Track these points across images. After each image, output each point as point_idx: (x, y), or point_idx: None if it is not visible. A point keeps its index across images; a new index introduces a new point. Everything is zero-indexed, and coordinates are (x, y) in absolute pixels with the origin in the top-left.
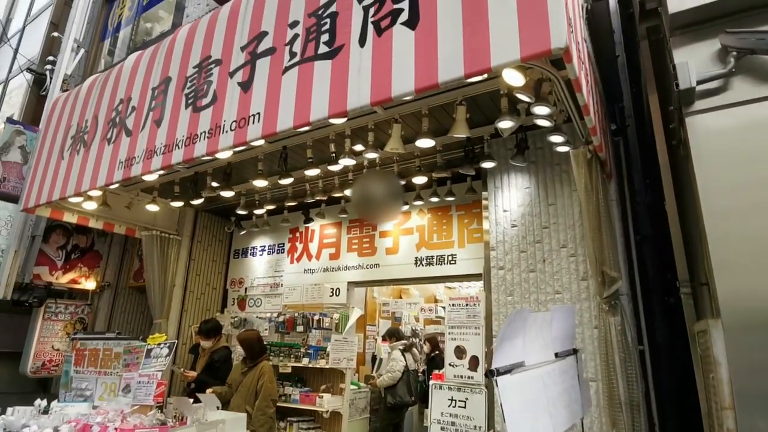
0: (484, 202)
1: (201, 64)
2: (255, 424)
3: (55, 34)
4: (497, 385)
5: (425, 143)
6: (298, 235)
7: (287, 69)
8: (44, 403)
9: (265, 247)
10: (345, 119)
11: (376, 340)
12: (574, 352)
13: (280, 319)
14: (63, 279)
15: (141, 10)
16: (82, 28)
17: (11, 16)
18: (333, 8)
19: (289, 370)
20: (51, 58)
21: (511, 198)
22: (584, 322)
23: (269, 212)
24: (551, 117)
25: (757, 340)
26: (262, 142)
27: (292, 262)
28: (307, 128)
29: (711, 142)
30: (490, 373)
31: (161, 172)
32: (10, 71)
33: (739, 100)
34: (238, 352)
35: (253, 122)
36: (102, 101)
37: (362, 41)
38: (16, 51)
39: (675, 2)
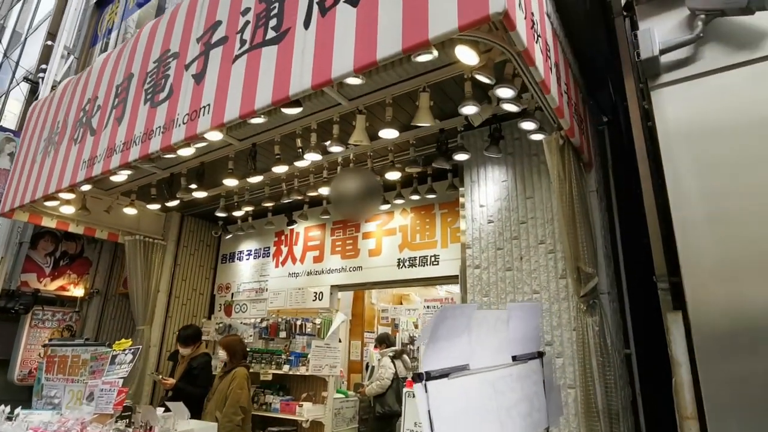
0: (461, 199)
1: (160, 58)
2: (221, 431)
3: (49, 42)
4: (426, 391)
5: (389, 134)
6: (283, 238)
7: (237, 57)
8: (8, 409)
9: (251, 251)
10: (300, 108)
11: None
12: (539, 355)
13: (264, 324)
14: (51, 286)
15: (128, 14)
16: (72, 35)
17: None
18: None
19: (270, 377)
20: (43, 66)
21: (488, 192)
22: (563, 324)
23: (254, 215)
24: (519, 101)
25: (729, 339)
26: (219, 135)
27: (277, 266)
28: (259, 120)
29: (678, 118)
30: (417, 377)
31: (128, 171)
32: (10, 83)
33: (708, 69)
34: (222, 358)
35: (203, 114)
36: (72, 103)
37: (307, 23)
38: (17, 64)
39: None
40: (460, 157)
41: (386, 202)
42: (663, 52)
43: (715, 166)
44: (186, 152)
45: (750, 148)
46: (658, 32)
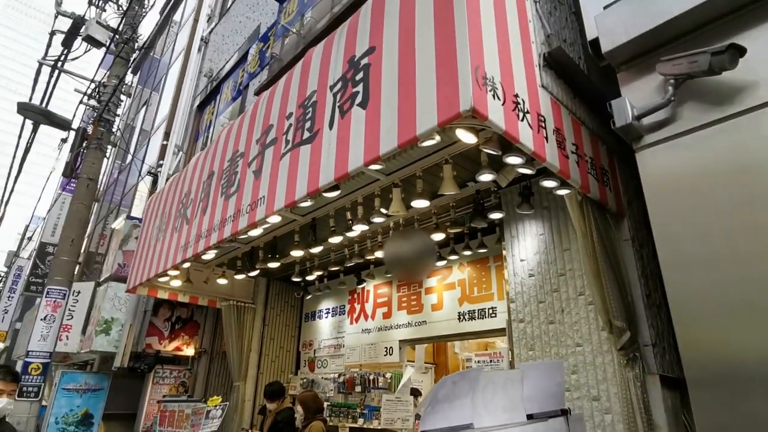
0: (504, 253)
1: (232, 157)
2: None
3: (164, 142)
4: None
5: (421, 204)
6: (355, 296)
7: (283, 155)
8: None
9: (329, 309)
10: (338, 191)
11: None
12: (563, 413)
13: (341, 379)
14: (169, 347)
15: (219, 113)
16: (180, 134)
17: (145, 127)
18: (314, 98)
19: (347, 431)
20: (161, 161)
21: (527, 246)
22: (608, 378)
23: (328, 276)
24: (532, 165)
25: (723, 397)
26: (278, 218)
27: (351, 323)
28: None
29: (661, 177)
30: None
31: (214, 251)
32: (138, 177)
33: (685, 128)
34: (300, 412)
35: (260, 204)
36: (174, 197)
37: (331, 124)
38: (142, 161)
39: (606, 41)
40: (495, 215)
41: (442, 258)
42: (639, 117)
43: (696, 214)
44: (255, 233)
45: (726, 197)
46: (640, 97)
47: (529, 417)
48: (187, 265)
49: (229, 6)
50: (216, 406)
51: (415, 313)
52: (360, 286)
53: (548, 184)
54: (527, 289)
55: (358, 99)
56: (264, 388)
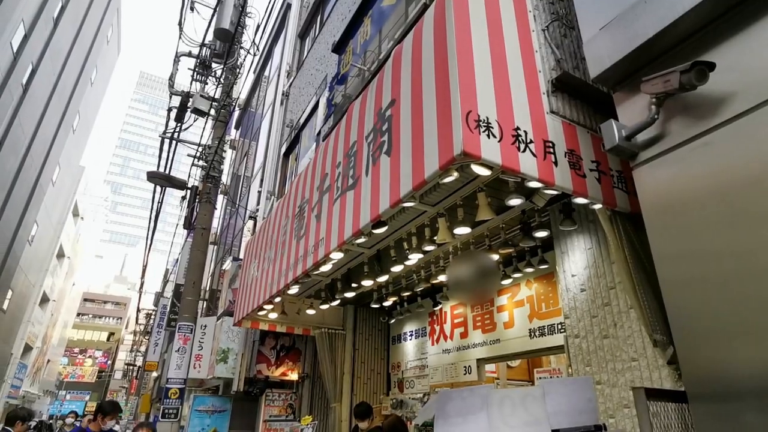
0: (556, 269)
1: (300, 204)
2: None
3: (258, 189)
4: None
5: (463, 231)
6: (434, 317)
7: (335, 201)
8: None
9: (412, 332)
10: (385, 227)
11: None
12: (597, 429)
13: (426, 399)
14: (276, 372)
15: (299, 159)
16: (271, 180)
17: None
18: (355, 148)
19: None
20: (258, 207)
21: (576, 261)
22: None
23: (409, 300)
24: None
25: (721, 411)
26: (341, 254)
27: (433, 344)
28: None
29: (656, 193)
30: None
31: (296, 286)
32: (243, 222)
33: (673, 143)
34: None
35: (321, 245)
36: (263, 240)
37: (367, 171)
38: (246, 208)
39: (593, 67)
40: (540, 234)
41: (507, 276)
42: (630, 137)
43: (692, 230)
44: (325, 268)
45: (719, 211)
46: (634, 116)
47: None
48: (278, 299)
49: (303, 61)
50: (308, 424)
51: (489, 332)
52: (437, 308)
53: (580, 201)
54: (580, 304)
55: (385, 147)
56: (353, 408)
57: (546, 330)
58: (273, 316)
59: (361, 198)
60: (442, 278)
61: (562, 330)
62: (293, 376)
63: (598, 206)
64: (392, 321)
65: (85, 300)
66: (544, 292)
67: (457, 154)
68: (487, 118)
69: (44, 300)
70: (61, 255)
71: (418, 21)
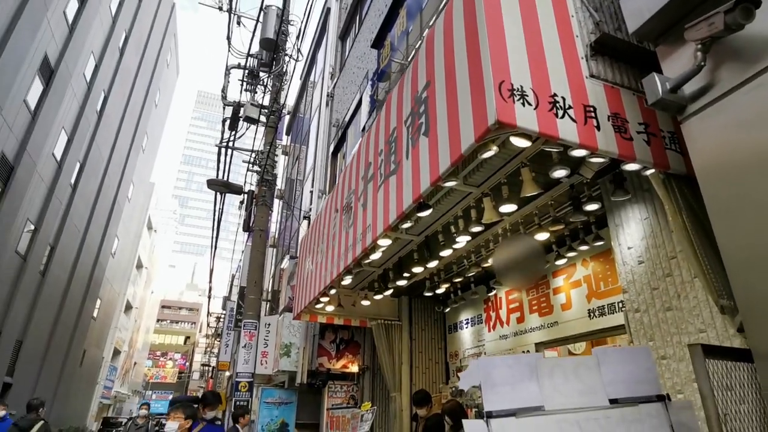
0: (612, 243)
1: (348, 195)
2: None
3: (310, 190)
4: (490, 427)
5: (509, 208)
6: (490, 304)
7: (379, 187)
8: None
9: (468, 320)
10: (429, 210)
11: None
12: (659, 399)
13: None
14: (337, 365)
15: (346, 157)
16: (321, 179)
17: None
18: (395, 134)
19: None
20: (310, 206)
21: (632, 233)
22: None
23: (462, 288)
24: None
25: None
26: (389, 241)
27: (489, 330)
28: (407, 225)
29: (707, 145)
30: (481, 416)
31: (349, 276)
32: (299, 223)
33: (723, 91)
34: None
35: (369, 231)
36: (314, 235)
37: (407, 154)
38: (300, 209)
39: (633, 21)
40: (591, 207)
41: (561, 256)
42: (675, 89)
43: (750, 183)
44: (375, 256)
45: None
46: (679, 68)
47: (613, 401)
48: (333, 291)
49: (345, 61)
50: (367, 410)
51: (546, 315)
52: (491, 294)
53: (631, 167)
54: (638, 277)
55: (423, 129)
56: (412, 396)
57: (606, 309)
58: (330, 308)
59: (403, 181)
60: (488, 262)
61: (623, 308)
62: (354, 369)
63: (650, 171)
64: (447, 310)
65: (163, 307)
66: (602, 270)
67: (491, 124)
68: (521, 87)
69: (128, 307)
70: (139, 266)
71: (449, 3)
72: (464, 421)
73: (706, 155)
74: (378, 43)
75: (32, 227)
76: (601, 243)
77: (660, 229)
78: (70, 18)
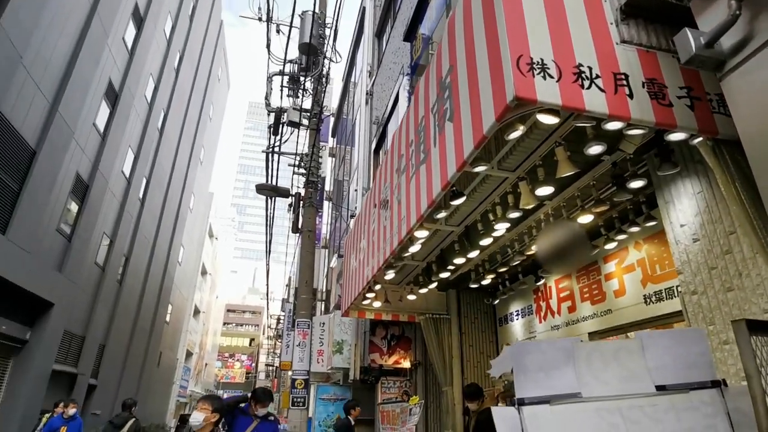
0: (664, 221)
1: (385, 191)
2: None
3: (355, 188)
4: (522, 415)
5: (545, 192)
6: (539, 294)
7: (411, 178)
8: None
9: (519, 311)
10: (463, 198)
11: None
12: (714, 384)
13: None
14: (389, 361)
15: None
16: (364, 177)
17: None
18: (423, 123)
19: None
20: (355, 205)
21: (684, 209)
22: None
23: (510, 279)
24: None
25: None
26: (426, 232)
27: (540, 321)
28: (442, 214)
29: (750, 100)
30: (513, 403)
31: (391, 271)
32: (348, 222)
33: (762, 42)
34: None
35: (404, 224)
36: (358, 231)
37: (435, 142)
38: (347, 208)
39: None
40: (636, 184)
41: (611, 240)
42: (710, 44)
43: None
44: (414, 249)
45: None
46: (715, 22)
47: (660, 388)
48: (378, 287)
49: (381, 58)
50: (415, 404)
51: (598, 303)
52: (540, 283)
53: (676, 137)
54: (693, 256)
55: (447, 114)
56: (463, 389)
57: (664, 294)
58: (376, 304)
59: (432, 169)
60: (537, 248)
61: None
62: (406, 364)
63: (698, 139)
64: (497, 302)
65: (228, 310)
66: (657, 252)
67: (510, 101)
68: (542, 60)
69: (196, 312)
70: (204, 272)
71: None
72: (493, 409)
73: (749, 114)
74: (410, 35)
75: (108, 240)
76: (654, 223)
77: (716, 203)
78: (129, 43)
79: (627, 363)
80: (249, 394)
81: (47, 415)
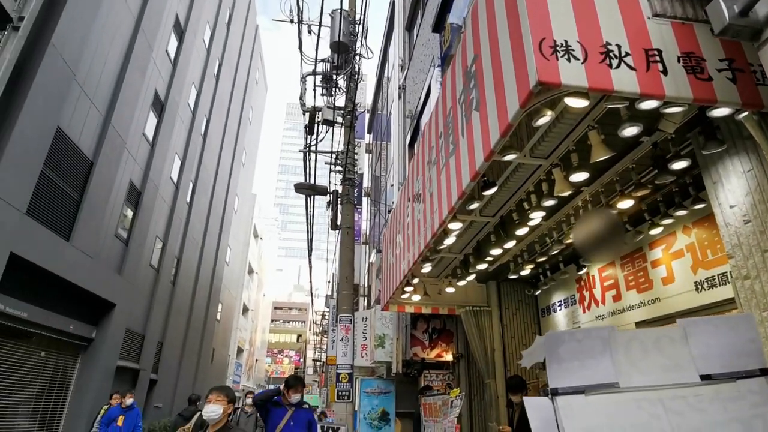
0: (712, 202)
1: (417, 184)
2: None
3: (392, 183)
4: (556, 404)
5: (580, 177)
6: (582, 283)
7: (441, 170)
8: None
9: (561, 301)
10: (494, 188)
11: None
12: (763, 372)
13: None
14: (431, 354)
15: None
16: (400, 172)
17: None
18: (452, 114)
19: None
20: (392, 200)
21: (734, 189)
22: None
23: (551, 269)
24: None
25: None
26: (459, 224)
27: (584, 311)
28: (474, 205)
29: None
30: (545, 393)
31: (427, 264)
32: (386, 217)
33: None
34: None
35: (436, 217)
36: (393, 228)
37: (462, 132)
38: (385, 204)
39: None
40: (678, 165)
41: (656, 225)
42: (744, 12)
43: None
44: (449, 241)
45: None
46: None
47: (704, 377)
48: (416, 281)
49: (412, 51)
50: (456, 396)
51: (645, 291)
52: (582, 272)
53: (719, 113)
54: (745, 239)
55: (474, 104)
56: (506, 381)
57: (717, 280)
58: (416, 298)
59: (460, 160)
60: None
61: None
62: (448, 357)
63: (743, 114)
64: (538, 293)
65: (275, 308)
66: (708, 236)
67: (533, 86)
68: (566, 42)
69: (245, 310)
70: (250, 271)
71: None
72: (525, 399)
73: None
74: (439, 26)
75: (161, 243)
76: (703, 206)
77: (767, 181)
78: (172, 54)
79: (669, 351)
80: (281, 387)
81: (105, 407)
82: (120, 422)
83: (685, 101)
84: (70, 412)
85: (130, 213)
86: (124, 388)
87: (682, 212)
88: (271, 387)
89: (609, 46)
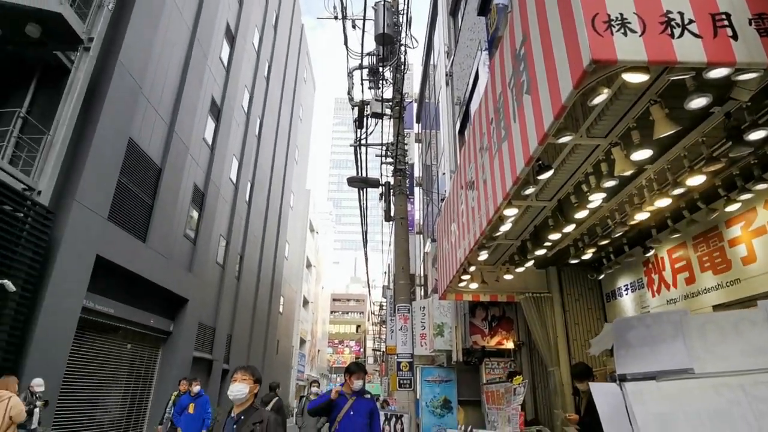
0: None
1: (470, 171)
2: None
3: (443, 172)
4: (625, 391)
5: (642, 156)
6: (650, 266)
7: (494, 156)
8: None
9: (627, 285)
10: (550, 171)
11: None
12: None
13: None
14: (492, 342)
15: None
16: (451, 159)
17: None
18: (502, 99)
19: None
20: (445, 188)
21: None
22: None
23: (615, 252)
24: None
25: None
26: (515, 210)
27: (653, 295)
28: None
29: None
30: (613, 379)
31: (484, 252)
32: (434, 207)
33: None
34: None
35: (491, 202)
36: (447, 216)
37: (514, 117)
38: (438, 193)
39: None
40: (756, 135)
41: (732, 201)
42: None
43: None
44: (504, 228)
45: None
46: None
47: None
48: (473, 268)
49: (458, 36)
50: (519, 384)
51: (722, 272)
52: (649, 254)
53: None
54: None
55: (525, 87)
56: (570, 369)
57: None
58: (473, 286)
59: (513, 146)
60: (640, 217)
61: None
62: (509, 345)
63: None
64: (602, 277)
65: (334, 300)
66: None
67: (587, 66)
68: (621, 15)
69: (305, 302)
70: (308, 265)
71: None
72: (591, 385)
73: None
74: (484, 8)
75: (225, 241)
76: None
77: None
78: (225, 61)
79: (749, 335)
80: (331, 395)
81: (174, 394)
82: (191, 409)
83: (759, 66)
84: (155, 399)
85: (195, 214)
86: (192, 376)
87: (763, 186)
88: (322, 393)
89: (670, 14)
